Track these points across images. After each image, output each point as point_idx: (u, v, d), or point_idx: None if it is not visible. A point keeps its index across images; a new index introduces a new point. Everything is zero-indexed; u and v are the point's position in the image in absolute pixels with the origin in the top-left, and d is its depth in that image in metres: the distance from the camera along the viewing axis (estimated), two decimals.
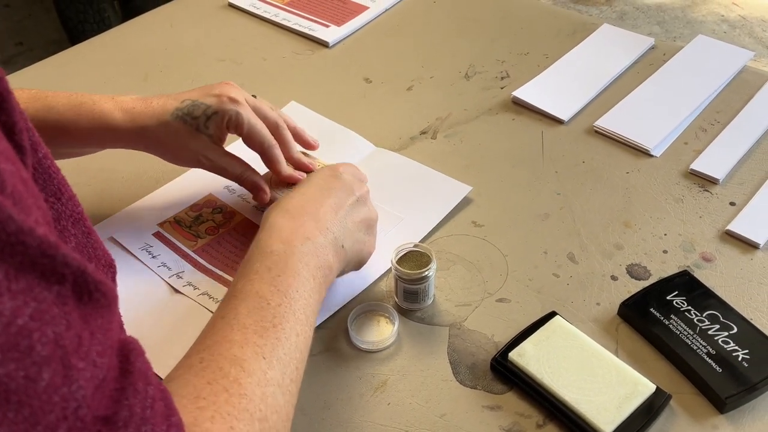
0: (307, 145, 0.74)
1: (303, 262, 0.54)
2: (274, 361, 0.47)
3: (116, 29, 1.07)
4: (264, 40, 1.03)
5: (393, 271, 0.63)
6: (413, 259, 0.64)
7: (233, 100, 0.66)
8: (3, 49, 2.63)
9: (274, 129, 0.70)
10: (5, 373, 0.28)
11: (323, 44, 1.01)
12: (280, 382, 0.46)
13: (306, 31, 1.02)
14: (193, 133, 0.66)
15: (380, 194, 0.75)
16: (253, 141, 0.68)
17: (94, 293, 0.34)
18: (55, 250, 0.31)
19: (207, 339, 0.48)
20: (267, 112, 0.70)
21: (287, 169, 0.70)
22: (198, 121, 0.66)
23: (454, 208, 0.74)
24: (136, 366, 0.36)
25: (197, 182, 0.78)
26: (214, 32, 1.05)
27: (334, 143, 0.81)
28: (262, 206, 0.72)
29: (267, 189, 0.69)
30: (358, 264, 0.63)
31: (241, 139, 0.68)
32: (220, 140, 0.68)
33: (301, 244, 0.55)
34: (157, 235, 0.72)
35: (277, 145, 0.69)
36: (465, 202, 0.75)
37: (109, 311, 0.35)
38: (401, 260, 0.64)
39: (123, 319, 0.43)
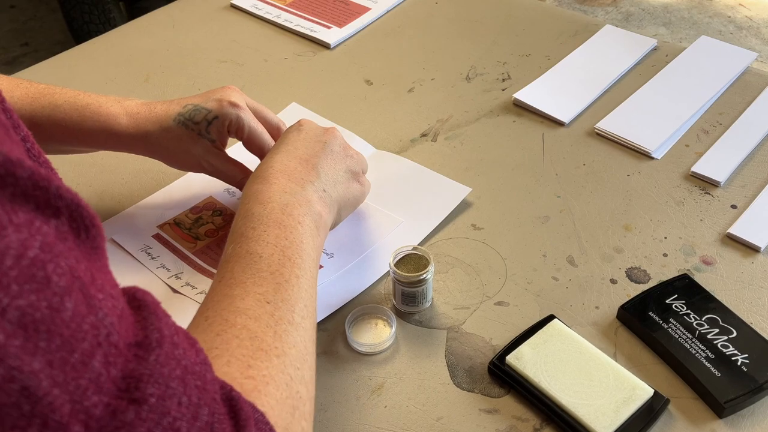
0: None
1: (285, 213, 0.55)
2: (279, 303, 0.48)
3: (118, 30, 1.07)
4: (265, 41, 1.03)
5: (391, 273, 0.62)
6: (411, 261, 0.64)
7: (234, 105, 0.67)
8: (9, 50, 2.64)
9: (276, 133, 0.70)
10: (28, 305, 0.27)
11: (325, 45, 1.01)
12: (290, 319, 0.48)
13: (307, 32, 1.02)
14: (195, 138, 0.67)
15: (379, 197, 0.75)
16: (253, 145, 0.68)
17: (90, 229, 0.32)
18: (47, 182, 0.30)
19: (208, 302, 0.49)
20: (268, 115, 0.70)
21: None
22: (199, 126, 0.66)
23: (453, 210, 0.74)
24: (148, 300, 0.36)
25: (197, 185, 0.78)
26: (215, 33, 1.05)
27: None
28: None
29: None
30: (352, 205, 0.66)
31: (241, 142, 0.69)
32: (221, 144, 0.68)
33: (279, 198, 0.56)
34: (157, 237, 0.72)
35: None
36: (464, 205, 0.75)
37: (104, 254, 0.34)
38: (399, 263, 0.63)
39: None
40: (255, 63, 0.98)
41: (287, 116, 0.86)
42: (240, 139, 0.68)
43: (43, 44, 2.71)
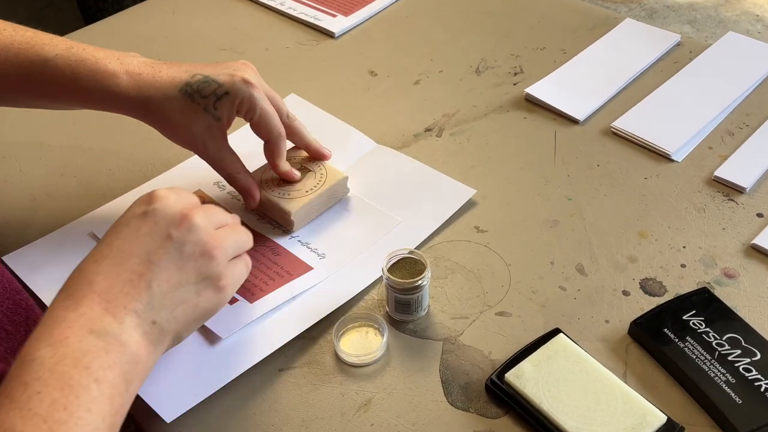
0: (320, 155, 0.69)
1: (81, 366, 0.41)
2: None
3: (116, 16, 1.03)
4: (267, 29, 0.98)
5: (384, 279, 0.58)
6: (406, 266, 0.59)
7: (247, 82, 0.61)
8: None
9: (285, 119, 0.65)
10: None
11: (329, 35, 0.96)
12: None
13: (312, 20, 0.98)
14: (200, 113, 0.60)
15: (377, 195, 0.70)
16: (261, 128, 0.63)
17: None
18: None
19: None
20: (280, 101, 0.65)
21: (285, 165, 0.66)
22: (207, 101, 0.60)
23: (455, 211, 0.69)
24: None
25: (186, 177, 0.74)
26: (216, 20, 1.01)
27: (333, 139, 0.77)
28: (249, 210, 0.68)
29: (257, 195, 0.65)
30: (199, 321, 0.50)
31: (244, 128, 0.64)
32: (226, 124, 0.62)
33: (78, 341, 0.42)
34: None
35: (285, 138, 0.65)
36: (468, 205, 0.70)
37: None
38: (393, 268, 0.59)
39: None
40: (255, 51, 0.94)
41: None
42: (249, 120, 0.62)
43: (57, 31, 2.69)
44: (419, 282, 0.57)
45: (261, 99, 0.61)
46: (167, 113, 0.61)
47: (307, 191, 0.67)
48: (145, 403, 0.53)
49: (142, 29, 0.99)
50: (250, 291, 0.60)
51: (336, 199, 0.69)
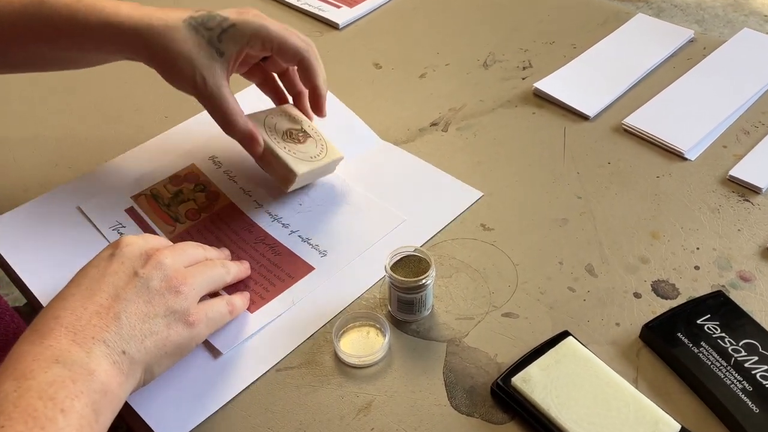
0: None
1: (46, 397, 0.40)
2: None
3: None
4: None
5: (387, 277, 0.56)
6: (410, 264, 0.57)
7: (257, 15, 0.60)
8: None
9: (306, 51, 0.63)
10: None
11: (333, 26, 0.94)
12: None
13: (315, 11, 0.96)
14: (203, 45, 0.58)
15: (382, 192, 0.68)
16: (286, 53, 0.61)
17: None
18: None
19: None
20: (297, 35, 0.63)
21: (323, 85, 0.65)
22: (212, 33, 0.58)
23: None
24: None
25: (180, 144, 0.71)
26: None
27: (337, 129, 0.75)
28: (255, 158, 0.65)
29: (261, 140, 0.62)
30: (174, 355, 0.49)
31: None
32: (231, 61, 0.59)
33: (44, 372, 0.41)
34: (131, 212, 0.65)
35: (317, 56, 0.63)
36: (475, 203, 0.67)
37: None
38: (396, 266, 0.56)
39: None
40: None
41: None
42: (267, 52, 0.60)
43: None
44: (423, 281, 0.55)
45: (275, 26, 0.59)
46: (168, 42, 0.57)
47: (312, 157, 0.64)
48: (144, 422, 0.50)
49: None
50: (250, 300, 0.58)
51: (323, 175, 0.68)
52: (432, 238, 0.64)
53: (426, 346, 0.56)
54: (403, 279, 0.54)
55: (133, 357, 0.45)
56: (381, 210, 0.66)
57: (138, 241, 0.51)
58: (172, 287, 0.49)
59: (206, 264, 0.54)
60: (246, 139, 0.62)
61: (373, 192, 0.68)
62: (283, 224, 0.65)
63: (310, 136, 0.66)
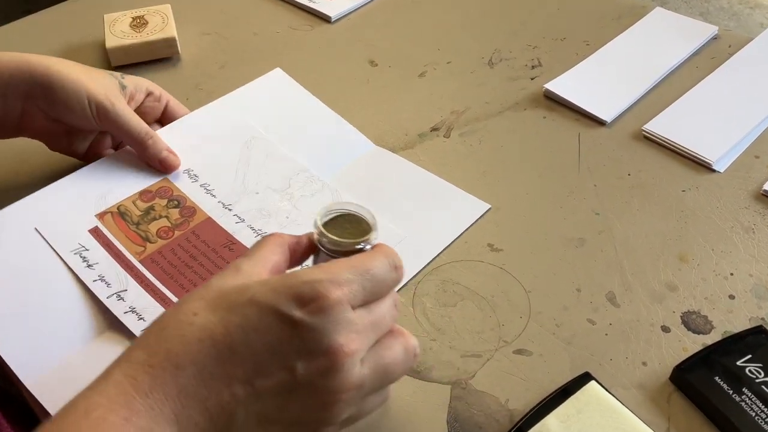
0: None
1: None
2: None
3: None
4: (257, 11, 0.89)
5: (315, 235, 0.43)
6: (346, 225, 0.44)
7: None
8: (11, 16, 2.51)
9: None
10: None
11: (324, 19, 0.86)
12: None
13: (305, 2, 0.88)
14: (106, 74, 0.61)
15: (378, 204, 0.61)
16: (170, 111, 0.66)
17: None
18: None
19: None
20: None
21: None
22: (112, 71, 0.63)
23: (466, 227, 0.60)
24: None
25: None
26: (200, 2, 0.91)
27: (326, 136, 0.67)
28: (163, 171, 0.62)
29: (177, 159, 0.62)
30: None
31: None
32: (130, 97, 0.63)
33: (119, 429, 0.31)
34: (95, 233, 0.58)
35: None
36: (481, 220, 0.61)
37: None
38: (329, 225, 0.44)
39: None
40: (242, 36, 0.84)
41: (267, 83, 0.72)
42: (157, 100, 0.64)
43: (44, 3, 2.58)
44: (362, 245, 0.43)
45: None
46: (72, 67, 0.58)
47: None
48: None
49: (120, 9, 0.89)
50: None
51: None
52: (432, 258, 0.57)
53: (427, 389, 0.49)
54: (339, 239, 0.42)
55: None
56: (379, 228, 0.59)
57: (342, 318, 0.35)
58: (327, 404, 0.35)
59: (391, 356, 0.38)
60: (162, 158, 0.62)
61: (368, 204, 0.61)
62: None
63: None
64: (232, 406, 0.33)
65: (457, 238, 0.59)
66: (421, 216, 0.61)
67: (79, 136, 0.63)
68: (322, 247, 0.43)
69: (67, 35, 0.84)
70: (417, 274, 0.56)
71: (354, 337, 0.35)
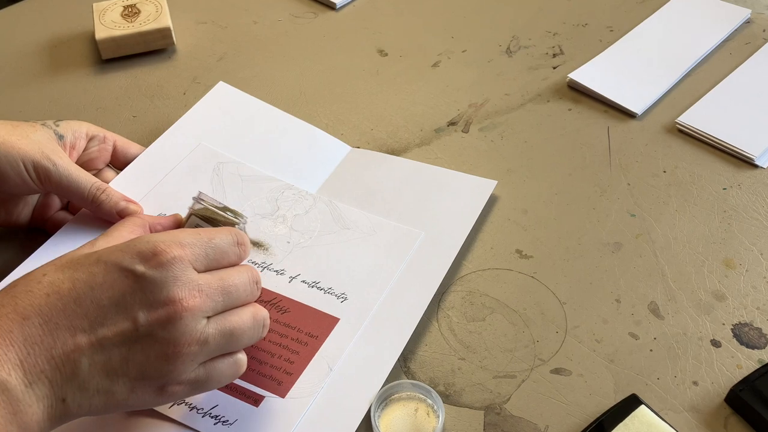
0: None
1: None
2: None
3: None
4: None
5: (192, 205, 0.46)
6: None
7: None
8: None
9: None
10: None
11: (330, 6, 0.81)
12: None
13: None
14: (38, 127, 0.53)
15: (381, 207, 0.56)
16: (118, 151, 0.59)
17: None
18: None
19: None
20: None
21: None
22: (45, 122, 0.55)
23: (491, 231, 0.55)
24: None
25: (132, 193, 0.57)
26: None
27: (294, 146, 0.61)
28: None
29: (137, 206, 0.54)
30: (111, 413, 0.38)
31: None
32: (69, 145, 0.55)
33: None
34: None
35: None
36: (507, 224, 0.56)
37: None
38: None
39: None
40: (241, 25, 0.79)
41: (215, 100, 0.64)
42: (103, 141, 0.57)
43: None
44: (231, 216, 0.46)
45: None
46: None
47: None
48: None
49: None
50: (275, 380, 0.45)
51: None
52: (456, 268, 0.52)
53: (458, 414, 0.44)
54: (212, 207, 0.46)
55: (70, 410, 0.36)
56: (390, 229, 0.54)
57: (180, 269, 0.37)
58: (169, 356, 0.37)
59: (238, 322, 0.39)
60: (120, 207, 0.54)
61: (369, 209, 0.56)
62: (276, 271, 0.52)
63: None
64: (76, 354, 0.35)
65: (481, 240, 0.54)
66: (429, 209, 0.56)
67: (19, 204, 0.55)
68: (195, 214, 0.46)
69: (54, 26, 0.79)
70: (444, 278, 0.51)
71: (195, 294, 0.37)
